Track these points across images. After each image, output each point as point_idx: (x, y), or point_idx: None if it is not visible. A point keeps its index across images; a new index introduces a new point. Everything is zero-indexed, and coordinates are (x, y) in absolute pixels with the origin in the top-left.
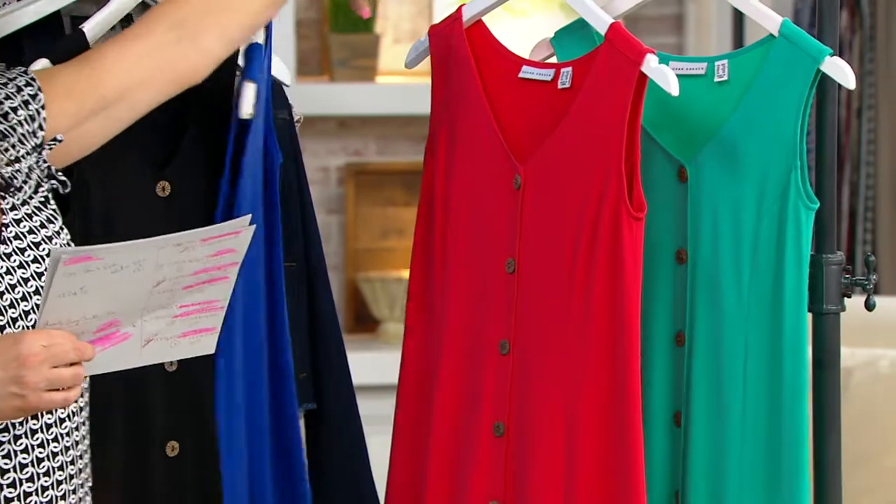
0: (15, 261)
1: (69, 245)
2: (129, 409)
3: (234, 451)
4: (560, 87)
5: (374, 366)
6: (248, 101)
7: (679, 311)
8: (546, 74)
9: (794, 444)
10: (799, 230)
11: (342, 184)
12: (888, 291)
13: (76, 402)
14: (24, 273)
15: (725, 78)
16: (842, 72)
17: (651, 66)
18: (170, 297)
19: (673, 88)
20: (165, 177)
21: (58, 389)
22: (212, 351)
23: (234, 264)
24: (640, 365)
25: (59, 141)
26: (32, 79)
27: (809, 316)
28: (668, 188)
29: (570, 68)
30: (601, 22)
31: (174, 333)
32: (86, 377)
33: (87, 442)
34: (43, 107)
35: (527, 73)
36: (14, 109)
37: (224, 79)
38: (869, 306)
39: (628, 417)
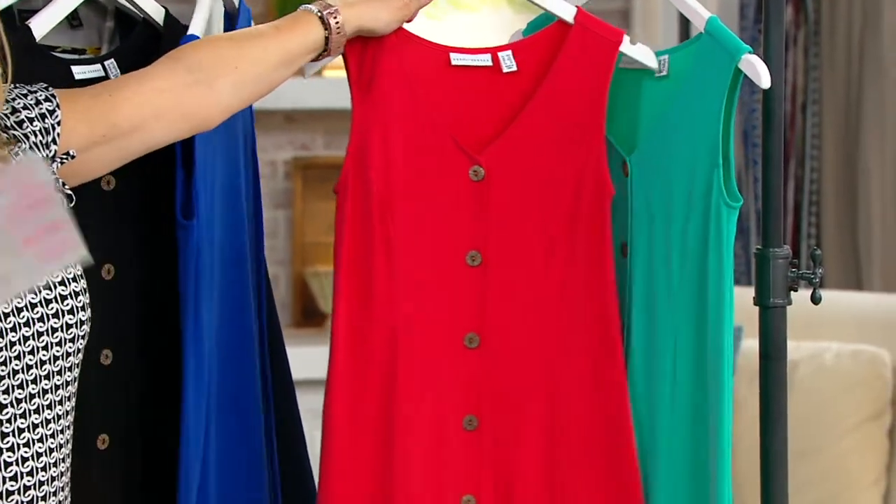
0: None
1: None
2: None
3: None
4: (505, 70)
5: (321, 360)
6: None
7: (623, 305)
8: (483, 60)
9: (717, 445)
10: (720, 229)
11: (289, 178)
12: (832, 285)
13: (62, 405)
14: None
15: (665, 73)
16: (755, 71)
17: (629, 45)
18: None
19: (653, 62)
20: None
21: None
22: (83, 254)
23: (45, 185)
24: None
25: (73, 156)
26: (53, 95)
27: (756, 310)
28: (615, 182)
29: (509, 51)
30: (566, 9)
31: (30, 262)
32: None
33: (69, 445)
34: (59, 122)
35: (459, 59)
36: (31, 119)
37: None
38: (815, 300)
39: (617, 400)
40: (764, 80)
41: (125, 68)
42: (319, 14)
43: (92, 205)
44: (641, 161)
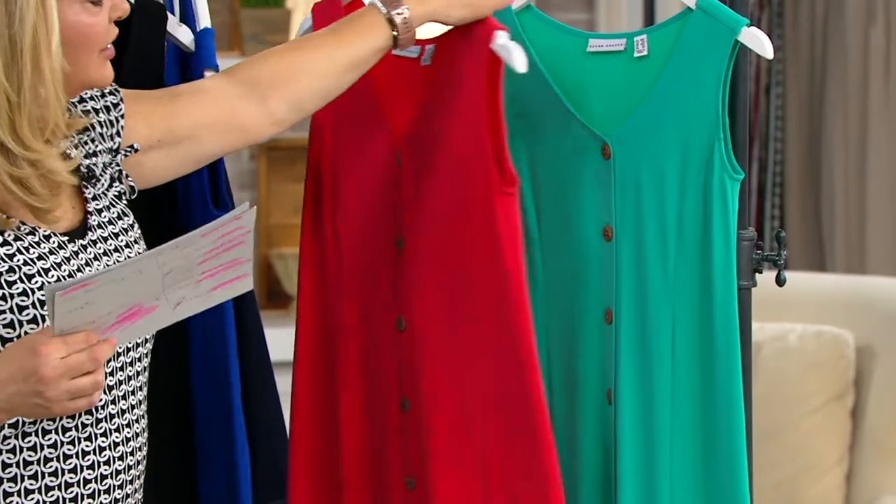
0: (100, 248)
1: (140, 238)
2: None
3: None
4: (422, 63)
5: (287, 342)
6: None
7: (607, 288)
8: (414, 51)
9: (730, 420)
10: (725, 201)
11: (254, 160)
12: (795, 267)
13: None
14: (108, 261)
15: (645, 53)
16: (759, 41)
17: (498, 42)
18: (186, 273)
19: (519, 65)
20: None
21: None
22: (250, 288)
23: (247, 232)
24: (567, 341)
25: (136, 150)
26: (116, 89)
27: None
28: (592, 165)
29: (433, 45)
30: None
31: (204, 291)
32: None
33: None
34: (122, 116)
35: (398, 49)
36: (96, 110)
37: (154, 53)
38: (780, 281)
39: (527, 393)
40: (768, 50)
41: None
42: (388, 15)
43: None
44: (625, 142)
